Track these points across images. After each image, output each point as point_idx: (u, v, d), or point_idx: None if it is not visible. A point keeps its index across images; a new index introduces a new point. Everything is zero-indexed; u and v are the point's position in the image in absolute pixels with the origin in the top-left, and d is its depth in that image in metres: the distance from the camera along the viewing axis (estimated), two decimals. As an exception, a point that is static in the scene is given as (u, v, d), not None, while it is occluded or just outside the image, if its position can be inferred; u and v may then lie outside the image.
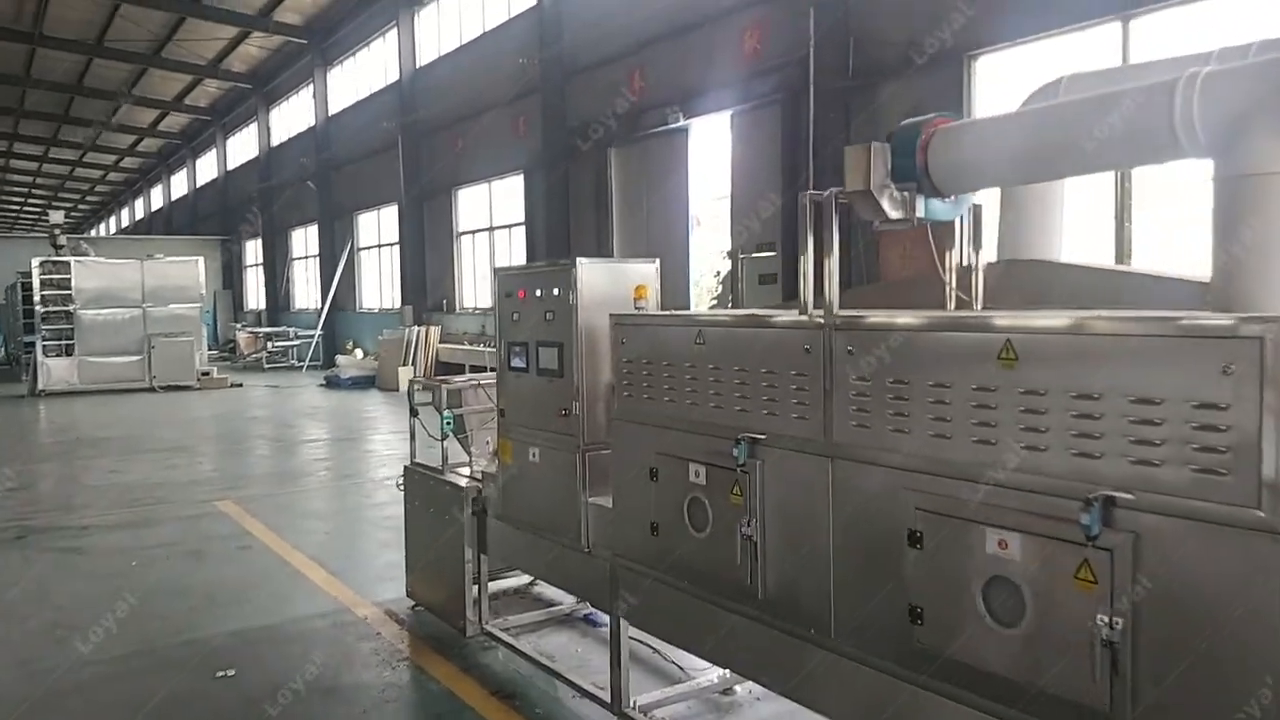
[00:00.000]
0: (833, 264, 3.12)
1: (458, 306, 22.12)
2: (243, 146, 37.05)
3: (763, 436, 3.34)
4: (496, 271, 4.98)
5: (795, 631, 3.25)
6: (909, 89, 11.02)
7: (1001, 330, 2.56)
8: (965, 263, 3.55)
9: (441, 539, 5.53)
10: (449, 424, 5.57)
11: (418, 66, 22.63)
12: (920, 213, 3.10)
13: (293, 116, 31.69)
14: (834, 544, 3.09)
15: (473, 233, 21.54)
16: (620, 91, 15.62)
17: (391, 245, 25.30)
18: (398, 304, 24.38)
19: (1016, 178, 2.97)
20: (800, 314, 3.21)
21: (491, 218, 20.62)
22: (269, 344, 28.07)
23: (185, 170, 44.10)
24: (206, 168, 41.63)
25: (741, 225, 13.64)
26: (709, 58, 13.96)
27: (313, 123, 28.68)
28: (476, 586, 5.36)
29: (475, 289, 21.74)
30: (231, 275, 38.61)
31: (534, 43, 17.47)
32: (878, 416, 2.90)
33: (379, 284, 26.86)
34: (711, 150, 14.59)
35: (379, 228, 26.38)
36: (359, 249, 27.68)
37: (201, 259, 23.43)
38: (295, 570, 6.94)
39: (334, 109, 27.92)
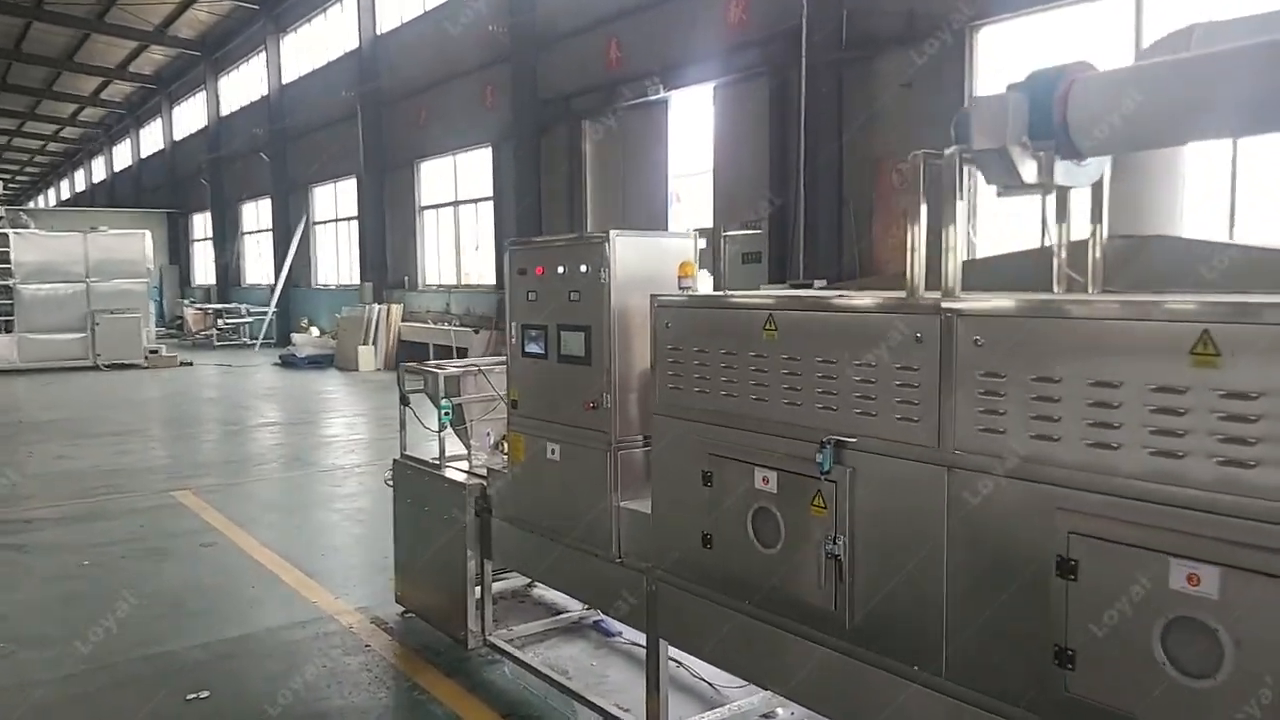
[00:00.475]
0: (955, 235, 2.64)
1: (420, 283, 21.35)
2: (190, 116, 35.63)
3: (853, 440, 2.85)
4: (508, 245, 4.43)
5: (893, 667, 2.78)
6: (906, 61, 10.57)
7: (1196, 319, 2.09)
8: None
9: (439, 541, 5.00)
10: (447, 414, 5.02)
11: (378, 33, 21.69)
12: (1059, 178, 2.62)
13: (244, 85, 30.45)
14: (949, 568, 2.62)
15: (436, 207, 20.76)
16: (596, 62, 14.99)
17: (349, 219, 24.41)
18: (356, 280, 23.53)
19: (1180, 136, 2.52)
20: (908, 296, 2.73)
21: (457, 191, 19.87)
22: (219, 321, 27.04)
23: (129, 141, 42.42)
24: (151, 138, 40.06)
25: (725, 201, 13.14)
26: (690, 28, 13.39)
27: (265, 92, 27.55)
28: (479, 593, 4.84)
29: (439, 265, 20.98)
30: (178, 250, 37.26)
31: (504, 9, 16.72)
32: (1014, 420, 2.43)
33: (336, 260, 25.94)
34: (692, 124, 14.03)
35: (336, 201, 25.43)
36: (314, 223, 26.70)
37: (148, 232, 22.39)
38: (267, 571, 6.35)
39: (288, 77, 26.82)
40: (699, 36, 13.24)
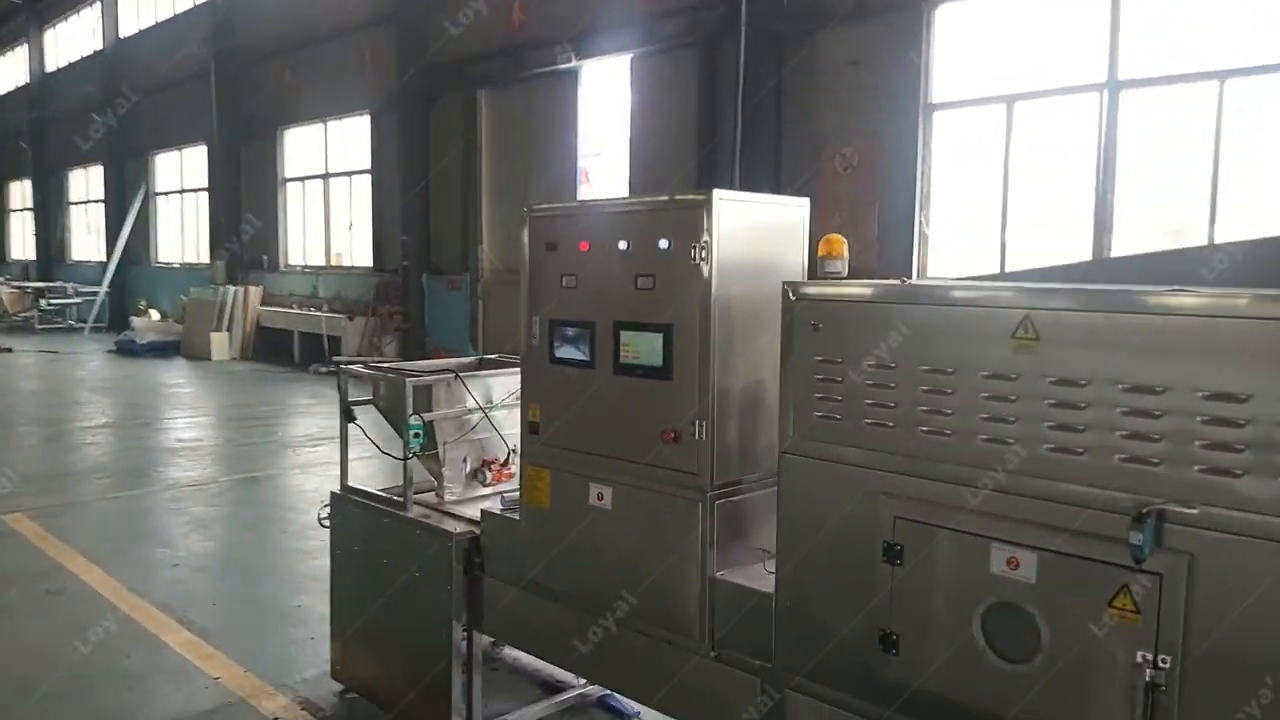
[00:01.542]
0: None
1: (282, 264, 19.34)
2: (8, 72, 31.67)
3: (1194, 512, 1.87)
4: (530, 212, 3.24)
5: None
6: (854, 37, 9.80)
7: None
8: None
9: (405, 604, 3.77)
10: (418, 437, 3.78)
11: (237, -17, 19.50)
12: None
13: (75, 38, 27.13)
14: (1397, 722, 1.68)
15: (302, 180, 18.80)
16: (497, 24, 13.62)
17: (198, 191, 21.98)
18: (205, 259, 21.21)
19: None
20: (1326, 294, 1.76)
21: (327, 163, 18.00)
22: (42, 301, 23.98)
23: (-70, 96, 37.56)
24: (-43, 94, 35.55)
25: (643, 185, 12.09)
26: (606, -10, 12.26)
27: (101, 46, 24.55)
28: (467, 674, 3.64)
29: (305, 244, 19.05)
30: (-10, 220, 33.21)
31: (390, -40, 15.11)
32: None
33: (181, 235, 23.35)
34: (606, 98, 12.90)
35: (182, 170, 22.86)
36: (155, 194, 24.01)
37: (-43, 198, 19.47)
38: (143, 630, 4.89)
39: (127, 30, 23.96)
40: (615, 1, 12.12)
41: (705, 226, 2.68)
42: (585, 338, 3.03)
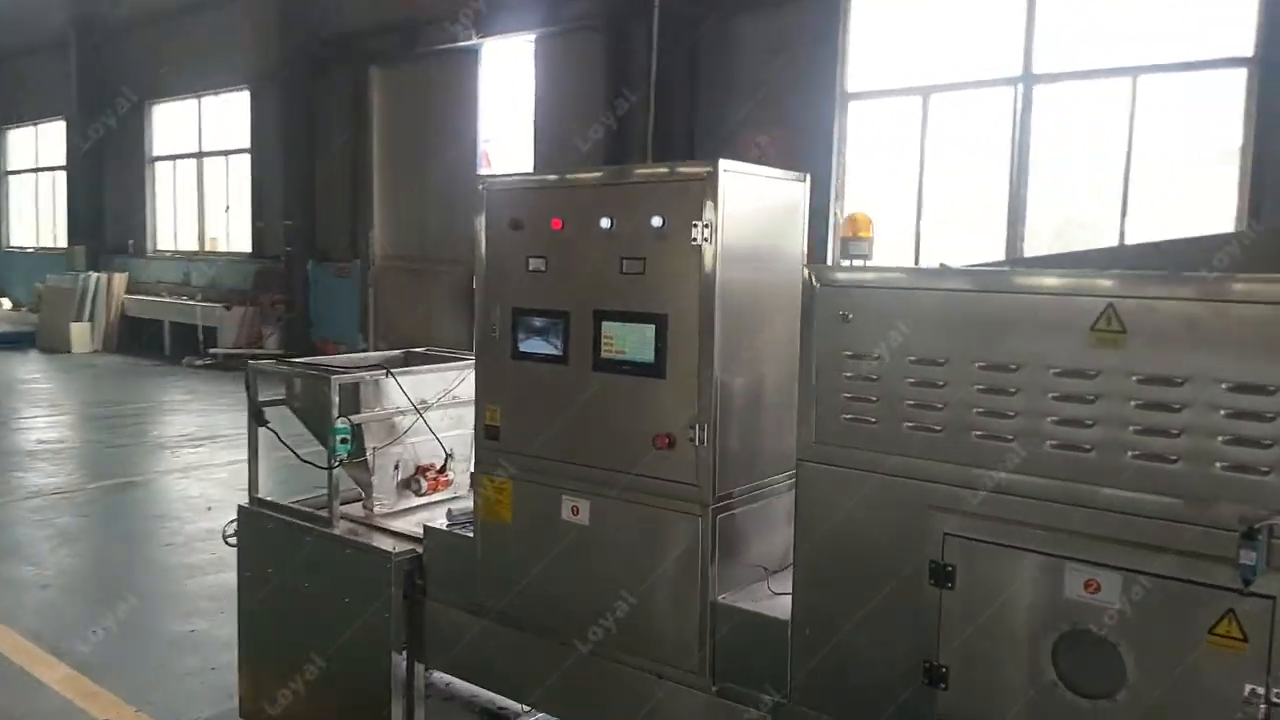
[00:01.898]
0: None
1: (150, 249, 18.05)
2: None
3: (1315, 528, 1.65)
4: (485, 183, 2.83)
5: None
6: (770, 23, 9.64)
7: None
8: None
9: (332, 632, 3.31)
10: (346, 443, 3.32)
11: (99, -55, 18.03)
12: None
13: (-94, -3, 24.77)
14: None
15: (174, 158, 17.56)
16: (389, -4, 12.93)
17: (56, 169, 20.31)
18: (63, 243, 19.63)
19: None
20: None
21: (201, 141, 16.84)
22: (-128, 288, 21.80)
23: None
24: None
25: (549, 167, 11.65)
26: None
27: (-59, 7, 22.46)
28: (406, 710, 3.22)
29: (175, 228, 17.80)
30: None
31: (271, -77, 14.17)
32: None
33: (35, 218, 21.58)
34: (509, 78, 12.40)
35: (37, 147, 21.12)
36: (7, 172, 22.13)
37: None
38: (15, 667, 4.23)
39: (-28, -8, 21.98)
40: (518, -22, 11.63)
41: (708, 203, 2.34)
42: (558, 329, 2.66)
